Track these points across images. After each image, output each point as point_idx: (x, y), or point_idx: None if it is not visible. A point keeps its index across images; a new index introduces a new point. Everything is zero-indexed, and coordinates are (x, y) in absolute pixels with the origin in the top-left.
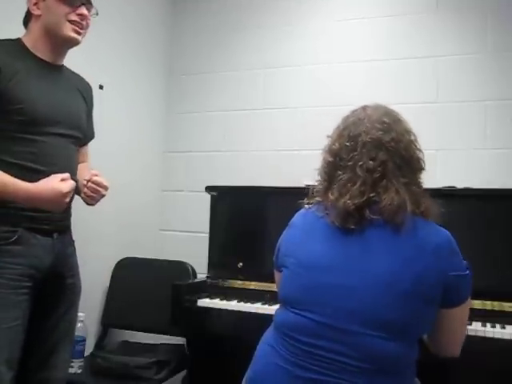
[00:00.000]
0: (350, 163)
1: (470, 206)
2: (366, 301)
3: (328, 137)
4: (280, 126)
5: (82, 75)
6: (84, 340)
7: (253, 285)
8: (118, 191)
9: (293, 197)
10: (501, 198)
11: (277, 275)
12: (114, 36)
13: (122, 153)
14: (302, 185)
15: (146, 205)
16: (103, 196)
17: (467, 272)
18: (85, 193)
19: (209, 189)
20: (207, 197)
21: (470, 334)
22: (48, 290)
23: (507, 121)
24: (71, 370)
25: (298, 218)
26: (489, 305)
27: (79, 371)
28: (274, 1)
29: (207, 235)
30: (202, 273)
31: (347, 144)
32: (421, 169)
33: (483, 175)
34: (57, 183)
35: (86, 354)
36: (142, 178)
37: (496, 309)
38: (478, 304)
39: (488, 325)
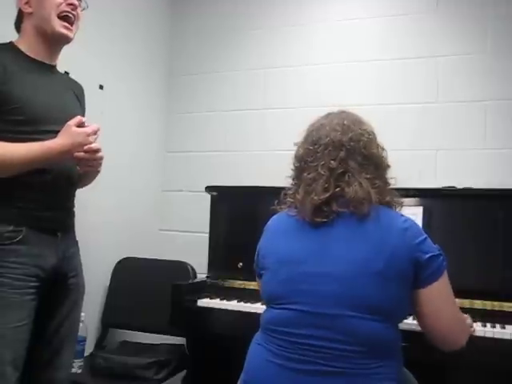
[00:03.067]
0: (313, 164)
1: (470, 206)
2: (342, 283)
3: (295, 144)
4: (280, 126)
5: (82, 75)
6: (84, 340)
7: (253, 285)
8: (118, 191)
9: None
10: (501, 198)
11: (258, 283)
12: (114, 36)
13: (122, 153)
14: None
15: (146, 205)
16: (102, 158)
17: (438, 252)
18: (86, 166)
19: (209, 189)
20: (207, 197)
21: None
22: (52, 290)
23: (507, 121)
24: (71, 370)
25: (271, 222)
26: (489, 305)
27: (79, 371)
28: (273, 1)
29: (207, 235)
30: (202, 273)
31: (310, 148)
32: (384, 166)
33: (483, 175)
34: (77, 129)
35: (86, 354)
36: (141, 177)
37: (496, 309)
38: (478, 304)
39: (488, 325)
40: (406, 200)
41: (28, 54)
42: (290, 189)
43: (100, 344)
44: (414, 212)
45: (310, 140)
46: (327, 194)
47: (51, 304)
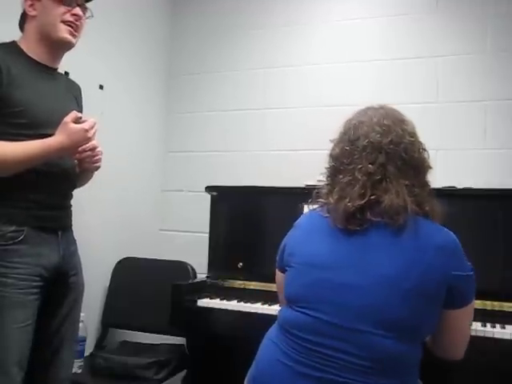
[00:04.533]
0: (349, 167)
1: (470, 206)
2: (370, 299)
3: (331, 141)
4: (280, 126)
5: (82, 75)
6: (84, 340)
7: (253, 285)
8: (118, 191)
9: (293, 197)
10: (501, 198)
11: (278, 275)
12: (114, 36)
13: (122, 153)
14: (301, 185)
15: (146, 205)
16: (101, 153)
17: (471, 273)
18: (87, 163)
19: (209, 189)
20: (207, 197)
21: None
22: (53, 289)
23: (507, 121)
24: None
25: (303, 218)
26: (489, 305)
27: (79, 371)
28: (273, 1)
29: (207, 235)
30: (202, 273)
31: (347, 148)
32: (425, 169)
33: (483, 175)
34: (75, 126)
35: (86, 354)
36: (142, 177)
37: (496, 309)
38: (478, 304)
39: (488, 325)
40: None
41: (30, 55)
42: (323, 188)
43: (100, 344)
44: None
45: (347, 139)
46: (362, 201)
47: (52, 303)
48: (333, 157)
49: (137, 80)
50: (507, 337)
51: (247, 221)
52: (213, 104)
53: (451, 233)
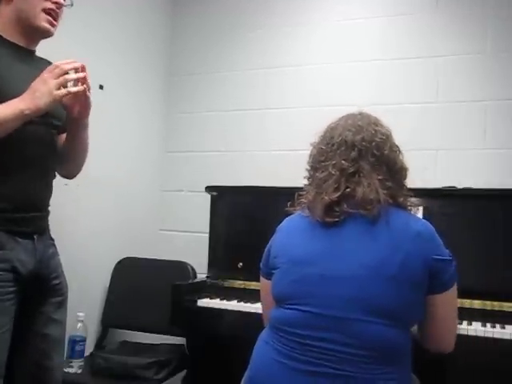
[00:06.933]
0: (324, 164)
1: (470, 206)
2: (355, 288)
3: (311, 145)
4: (280, 126)
5: None
6: (84, 340)
7: (253, 285)
8: (118, 191)
9: (292, 197)
10: (501, 198)
11: (263, 282)
12: (114, 36)
13: (122, 153)
14: (301, 185)
15: (146, 205)
16: (89, 90)
17: (450, 258)
18: (79, 96)
19: (209, 189)
20: (207, 197)
21: (469, 334)
22: (35, 294)
23: (507, 121)
24: (71, 370)
25: (284, 222)
26: (489, 305)
27: (79, 371)
28: (273, 1)
29: (207, 235)
30: (202, 273)
31: (322, 147)
32: (398, 168)
33: (483, 175)
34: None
35: (86, 354)
36: (141, 177)
37: (496, 309)
38: (478, 304)
39: (488, 325)
40: None
41: (6, 37)
42: (304, 189)
43: (100, 344)
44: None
45: (324, 140)
46: (337, 194)
47: (36, 308)
48: (311, 157)
49: (137, 80)
50: (507, 337)
51: (247, 221)
52: (212, 104)
53: (427, 221)
